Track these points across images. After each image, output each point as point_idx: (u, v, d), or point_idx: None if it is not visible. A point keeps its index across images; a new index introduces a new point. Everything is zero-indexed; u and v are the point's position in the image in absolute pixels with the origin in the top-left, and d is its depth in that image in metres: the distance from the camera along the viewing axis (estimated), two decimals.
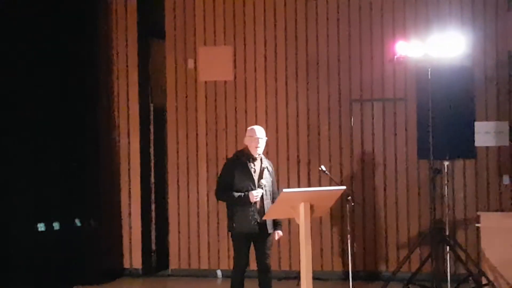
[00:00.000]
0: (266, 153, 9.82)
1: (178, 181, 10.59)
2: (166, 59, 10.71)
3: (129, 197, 10.63)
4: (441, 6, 9.96)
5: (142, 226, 10.65)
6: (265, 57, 10.41)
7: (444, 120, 9.39)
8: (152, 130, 11.02)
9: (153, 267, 10.88)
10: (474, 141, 9.73)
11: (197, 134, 10.55)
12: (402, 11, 10.06)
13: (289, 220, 9.70)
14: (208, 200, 10.32)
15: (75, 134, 10.05)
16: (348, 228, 8.96)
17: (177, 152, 10.61)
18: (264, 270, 7.47)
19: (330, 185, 9.40)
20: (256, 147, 7.44)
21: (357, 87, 10.15)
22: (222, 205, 7.81)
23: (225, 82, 10.53)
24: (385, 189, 10.05)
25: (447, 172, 9.26)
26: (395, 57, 8.82)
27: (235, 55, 10.49)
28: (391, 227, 10.01)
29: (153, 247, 10.95)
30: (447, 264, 9.05)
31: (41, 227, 9.59)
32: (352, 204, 8.87)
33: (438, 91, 9.12)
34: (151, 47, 11.05)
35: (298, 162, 10.24)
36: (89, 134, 10.29)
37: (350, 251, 8.76)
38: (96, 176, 10.36)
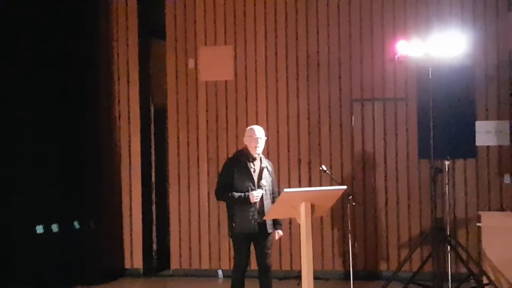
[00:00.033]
0: (267, 153, 9.85)
1: (179, 181, 10.59)
2: (167, 59, 10.71)
3: (130, 197, 10.63)
4: (442, 5, 9.96)
5: (143, 226, 10.65)
6: (266, 57, 10.41)
7: (445, 119, 9.42)
8: (152, 130, 11.02)
9: (154, 267, 10.87)
10: (474, 140, 9.75)
11: (197, 134, 10.55)
12: (402, 10, 10.06)
13: (290, 220, 9.71)
14: (209, 200, 10.32)
15: (75, 134, 10.05)
16: (349, 227, 8.96)
17: (178, 152, 10.61)
18: (264, 270, 7.48)
19: (331, 185, 9.41)
20: (256, 147, 7.45)
21: (358, 87, 10.15)
22: (223, 205, 7.81)
23: (226, 81, 10.53)
24: (386, 189, 10.04)
25: (447, 172, 9.25)
26: (396, 56, 8.82)
27: (235, 55, 10.49)
28: (392, 227, 10.01)
29: (154, 247, 10.95)
30: (448, 263, 9.04)
31: (39, 229, 9.59)
32: (353, 203, 8.88)
33: (439, 91, 9.13)
34: (151, 47, 11.05)
35: (299, 161, 10.24)
36: (89, 134, 10.29)
37: (351, 251, 8.76)
38: (96, 176, 10.36)
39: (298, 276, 8.93)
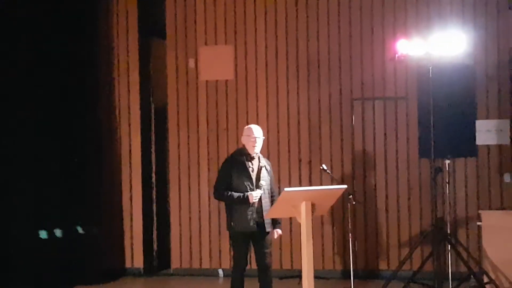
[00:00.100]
0: (267, 152, 9.86)
1: (179, 180, 10.59)
2: (167, 58, 10.71)
3: (130, 196, 10.63)
4: (443, 4, 9.95)
5: (144, 225, 10.65)
6: (266, 57, 10.41)
7: (445, 118, 9.41)
8: (153, 129, 11.01)
9: (154, 267, 10.87)
10: (475, 139, 9.75)
11: (198, 134, 10.55)
12: (403, 9, 10.06)
13: (291, 219, 9.71)
14: (209, 199, 10.31)
15: (75, 134, 10.04)
16: (349, 227, 8.96)
17: (178, 151, 10.61)
18: (264, 269, 7.48)
19: (331, 184, 9.42)
20: (254, 146, 7.45)
21: (358, 86, 10.14)
22: (223, 204, 7.81)
23: (226, 81, 10.52)
24: (386, 188, 10.04)
25: (448, 171, 9.26)
26: (396, 55, 8.81)
27: (236, 55, 10.49)
28: (392, 226, 10.01)
29: (155, 246, 10.94)
30: (448, 262, 9.05)
31: (43, 234, 9.60)
32: (353, 203, 8.87)
33: (439, 90, 9.13)
34: (151, 47, 11.05)
35: (300, 161, 10.24)
36: (89, 134, 10.28)
37: (351, 250, 8.76)
38: (97, 176, 10.36)
39: (298, 275, 8.93)
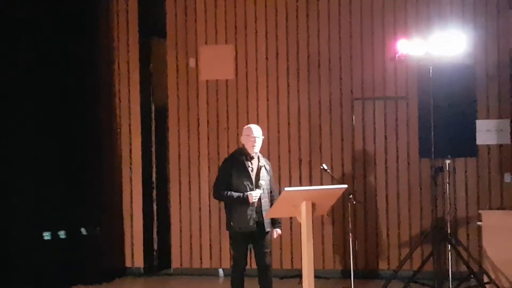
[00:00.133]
0: (268, 152, 9.87)
1: (179, 180, 10.59)
2: (167, 58, 10.71)
3: (131, 196, 10.64)
4: (443, 4, 9.95)
5: (144, 225, 10.65)
6: (267, 56, 10.41)
7: (446, 118, 9.41)
8: (153, 129, 11.01)
9: (155, 266, 10.87)
10: (475, 139, 9.75)
11: (198, 133, 10.55)
12: (403, 9, 10.06)
13: (291, 219, 9.71)
14: (209, 199, 10.31)
15: (76, 134, 10.04)
16: (350, 226, 8.97)
17: (179, 151, 10.61)
18: (263, 269, 7.48)
19: (331, 184, 9.42)
20: (253, 146, 7.45)
21: (359, 86, 10.15)
22: (224, 204, 7.81)
23: (227, 81, 10.53)
24: (386, 188, 10.04)
25: (448, 171, 9.25)
26: (397, 55, 8.82)
27: (236, 54, 10.49)
28: (393, 226, 10.01)
29: (155, 246, 10.95)
30: (448, 262, 9.04)
31: (47, 235, 9.61)
32: (354, 202, 8.88)
33: (439, 90, 9.13)
34: (152, 46, 11.05)
35: (300, 160, 10.24)
36: (89, 133, 10.28)
37: (351, 250, 8.76)
38: (97, 176, 10.35)
39: (298, 275, 8.94)
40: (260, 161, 7.53)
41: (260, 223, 7.39)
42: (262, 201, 7.40)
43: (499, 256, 8.77)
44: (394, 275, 8.95)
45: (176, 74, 10.65)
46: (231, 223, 7.43)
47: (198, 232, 10.50)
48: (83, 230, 10.06)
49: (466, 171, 9.85)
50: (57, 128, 9.78)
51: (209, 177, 10.34)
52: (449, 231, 9.11)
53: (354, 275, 8.74)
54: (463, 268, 9.00)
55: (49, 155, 9.71)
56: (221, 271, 10.42)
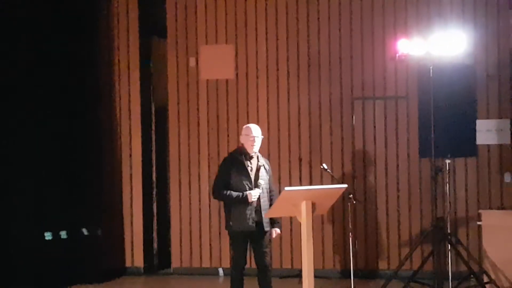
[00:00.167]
0: (268, 151, 9.87)
1: (179, 179, 10.59)
2: (168, 57, 10.72)
3: (131, 195, 10.64)
4: (443, 4, 9.95)
5: (144, 224, 10.65)
6: (267, 56, 10.41)
7: (446, 118, 9.41)
8: (153, 128, 11.02)
9: (155, 266, 10.88)
10: (475, 139, 9.75)
11: (198, 133, 10.55)
12: (403, 9, 10.06)
13: (291, 218, 9.71)
14: (209, 198, 10.30)
15: (76, 134, 10.03)
16: (350, 226, 8.97)
17: (179, 150, 10.61)
18: (263, 269, 7.48)
19: (331, 184, 9.42)
20: (252, 146, 7.45)
21: (359, 85, 10.15)
22: (223, 204, 7.81)
23: (227, 80, 10.53)
24: (386, 187, 10.04)
25: (448, 170, 9.26)
26: (397, 55, 8.82)
27: (236, 54, 10.49)
28: (393, 225, 10.01)
29: (155, 245, 10.95)
30: (448, 262, 9.05)
31: (48, 236, 9.60)
32: (354, 202, 8.88)
33: (439, 89, 9.13)
34: (152, 46, 11.05)
35: (300, 160, 10.24)
36: (90, 133, 10.27)
37: (351, 249, 8.76)
38: (97, 175, 10.35)
39: (298, 275, 8.94)
40: (259, 160, 7.54)
41: (259, 222, 7.39)
42: (261, 200, 7.41)
43: (499, 256, 8.77)
44: (394, 274, 8.95)
45: (176, 74, 10.65)
46: (230, 222, 7.44)
47: (198, 232, 10.50)
48: (84, 230, 10.05)
49: (466, 171, 9.86)
50: (57, 128, 9.77)
51: (209, 177, 10.33)
52: (449, 231, 9.11)
53: (354, 275, 8.74)
54: (463, 268, 9.01)
55: (49, 155, 9.71)
56: (221, 271, 10.43)
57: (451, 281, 8.87)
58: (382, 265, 10.01)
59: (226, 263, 10.19)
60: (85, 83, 10.19)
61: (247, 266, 7.57)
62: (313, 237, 6.47)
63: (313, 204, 6.49)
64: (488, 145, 9.80)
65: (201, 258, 10.50)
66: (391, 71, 10.02)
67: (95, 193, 10.24)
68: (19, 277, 9.24)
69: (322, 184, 9.86)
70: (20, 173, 9.51)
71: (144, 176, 10.70)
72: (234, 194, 7.36)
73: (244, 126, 7.63)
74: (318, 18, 10.27)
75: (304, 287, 6.46)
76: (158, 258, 10.94)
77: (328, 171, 8.83)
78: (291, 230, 9.99)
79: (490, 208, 9.52)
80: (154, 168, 10.99)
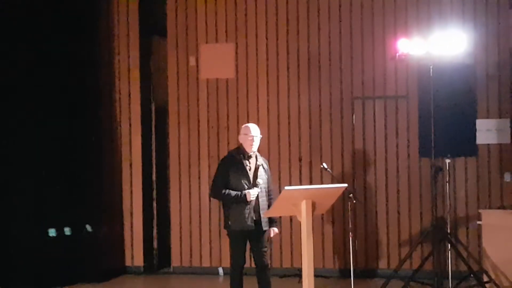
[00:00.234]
0: (268, 151, 9.87)
1: (179, 178, 10.59)
2: (168, 56, 10.72)
3: (131, 195, 10.64)
4: (443, 4, 9.96)
5: (144, 224, 10.66)
6: (267, 55, 10.41)
7: (446, 117, 9.41)
8: (153, 127, 11.02)
9: (154, 265, 10.89)
10: (475, 138, 9.75)
11: (198, 132, 10.55)
12: (404, 9, 10.06)
13: (291, 218, 9.72)
14: (209, 198, 10.30)
15: (76, 134, 10.02)
16: (350, 225, 8.96)
17: (179, 149, 10.62)
18: (262, 268, 7.49)
19: (331, 183, 9.42)
20: (251, 145, 7.46)
21: (359, 85, 10.15)
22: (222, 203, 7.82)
23: (227, 79, 10.53)
24: (386, 187, 10.04)
25: (448, 170, 9.26)
26: (397, 54, 8.82)
27: (236, 53, 10.49)
28: (393, 225, 10.01)
29: (155, 245, 10.96)
30: (448, 261, 9.05)
31: (52, 232, 9.61)
32: (354, 201, 8.87)
33: (440, 89, 9.13)
34: (152, 45, 11.05)
35: (300, 159, 10.24)
36: (90, 132, 10.26)
37: (351, 249, 8.76)
38: (97, 175, 10.35)
39: (298, 274, 8.94)
40: (258, 160, 7.54)
41: (258, 222, 7.39)
42: (260, 200, 7.41)
43: (499, 255, 8.77)
44: (394, 274, 8.94)
45: (176, 73, 10.65)
46: (229, 222, 7.44)
47: (198, 231, 10.51)
48: (85, 228, 10.04)
49: (466, 171, 9.86)
50: (57, 128, 9.77)
51: (209, 176, 10.32)
52: (449, 231, 9.12)
53: (354, 274, 8.72)
54: (463, 267, 9.01)
55: (49, 155, 9.70)
56: (221, 270, 10.43)
57: (451, 280, 8.87)
58: (382, 264, 10.02)
59: (226, 262, 10.15)
60: (85, 83, 10.18)
61: (247, 265, 7.58)
62: (313, 236, 6.48)
63: (313, 204, 6.50)
64: (488, 145, 9.81)
65: (201, 257, 10.50)
66: (391, 70, 10.02)
67: (95, 193, 10.23)
68: (19, 277, 9.24)
69: (322, 183, 9.86)
70: (20, 173, 9.51)
71: (144, 176, 10.70)
72: (233, 193, 7.36)
73: (243, 126, 7.63)
74: (318, 17, 10.28)
75: (304, 287, 6.46)
76: (158, 258, 10.95)
77: (328, 171, 8.82)
78: (291, 229, 9.99)
79: (490, 207, 9.53)
80: (154, 167, 10.99)
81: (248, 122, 8.21)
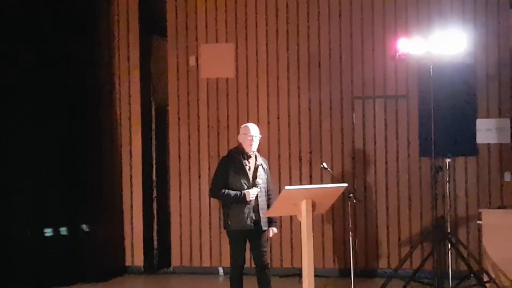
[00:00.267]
0: (268, 150, 9.87)
1: (180, 178, 10.59)
2: (168, 56, 10.72)
3: (131, 195, 10.64)
4: (443, 3, 9.95)
5: (144, 224, 10.66)
6: (267, 55, 10.41)
7: (446, 117, 9.42)
8: (153, 127, 11.02)
9: (155, 265, 10.89)
10: (475, 138, 9.75)
11: (198, 132, 10.55)
12: (404, 8, 10.05)
13: (291, 217, 9.72)
14: (209, 197, 10.29)
15: (76, 134, 10.03)
16: (350, 225, 8.96)
17: (179, 149, 10.62)
18: (261, 268, 7.48)
19: (332, 183, 9.42)
20: (250, 145, 7.45)
21: (359, 84, 10.15)
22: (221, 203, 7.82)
23: (227, 79, 10.52)
24: (386, 186, 10.04)
25: (448, 170, 9.26)
26: (397, 54, 8.82)
27: (236, 53, 10.49)
28: (393, 225, 10.01)
29: (155, 244, 10.96)
30: (448, 261, 9.05)
31: (48, 232, 9.60)
32: (354, 201, 8.87)
33: (440, 89, 9.13)
34: (152, 45, 11.05)
35: (300, 159, 10.24)
36: (90, 132, 10.27)
37: (351, 248, 8.76)
38: (97, 175, 10.35)
39: (298, 274, 8.94)
40: (258, 159, 7.54)
41: (257, 221, 7.39)
42: (259, 199, 7.41)
43: (499, 255, 8.78)
44: (394, 273, 8.95)
45: (176, 73, 10.65)
46: (228, 221, 7.44)
47: (198, 231, 10.50)
48: (84, 228, 10.04)
49: (466, 170, 9.86)
50: (57, 128, 9.77)
51: (209, 176, 10.31)
52: (449, 230, 9.12)
53: (354, 274, 8.72)
54: (463, 267, 9.01)
55: (49, 155, 9.70)
56: (221, 270, 10.43)
57: (451, 280, 8.87)
58: (382, 264, 10.01)
59: (226, 262, 10.13)
60: (85, 83, 10.18)
61: (247, 265, 7.58)
62: (313, 236, 6.48)
63: (313, 203, 6.50)
64: (488, 144, 9.80)
65: (201, 257, 10.50)
66: (391, 70, 10.02)
67: (95, 193, 10.24)
68: (19, 277, 9.24)
69: (322, 183, 9.85)
70: (20, 173, 9.51)
71: (144, 176, 10.70)
72: (232, 193, 7.36)
73: (242, 126, 7.63)
74: (318, 17, 10.27)
75: (304, 286, 6.46)
76: (158, 257, 10.95)
77: (328, 170, 8.81)
78: (291, 229, 9.99)
79: (490, 207, 9.53)
80: (154, 167, 10.99)
81: (248, 122, 8.20)
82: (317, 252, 8.26)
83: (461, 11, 9.88)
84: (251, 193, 7.33)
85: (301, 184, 9.98)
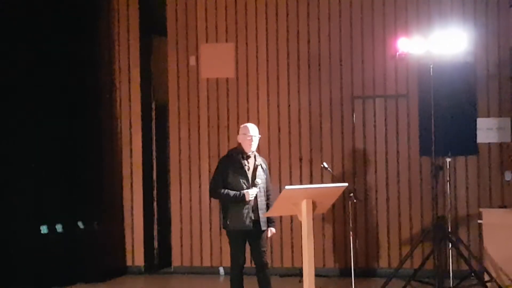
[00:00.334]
0: (268, 150, 9.88)
1: (180, 178, 10.59)
2: (168, 56, 10.72)
3: (131, 194, 10.64)
4: (443, 2, 9.96)
5: (144, 223, 10.66)
6: (267, 54, 10.41)
7: (446, 116, 9.42)
8: (154, 127, 11.02)
9: (155, 265, 10.89)
10: (476, 137, 9.75)
11: (199, 132, 10.56)
12: (404, 8, 10.06)
13: (291, 217, 9.72)
14: (210, 197, 10.30)
15: (76, 134, 10.03)
16: (350, 225, 8.96)
17: (179, 149, 10.62)
18: (261, 268, 7.47)
19: (332, 182, 9.42)
20: (250, 145, 7.45)
21: (359, 84, 10.15)
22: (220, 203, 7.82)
23: (227, 79, 10.53)
24: (387, 186, 10.04)
25: (449, 169, 9.26)
26: (397, 53, 8.82)
27: (237, 52, 10.49)
28: (393, 224, 10.01)
29: (156, 244, 10.96)
30: (449, 260, 9.05)
31: (43, 229, 9.59)
32: (354, 201, 8.88)
33: (440, 88, 9.12)
34: (153, 44, 11.05)
35: (300, 159, 10.24)
36: (90, 132, 10.27)
37: (352, 248, 8.76)
38: (97, 174, 10.35)
39: (299, 273, 8.94)
40: (257, 159, 7.53)
41: (256, 221, 7.39)
42: (258, 199, 7.40)
43: (499, 254, 8.78)
44: (394, 273, 8.94)
45: (176, 72, 10.65)
46: (228, 221, 7.44)
47: (199, 231, 10.50)
48: (84, 228, 10.04)
49: (466, 169, 9.86)
50: (57, 128, 9.77)
51: (209, 176, 10.28)
52: (449, 230, 9.12)
53: (354, 273, 8.73)
54: (464, 266, 9.00)
55: (49, 155, 9.70)
56: (221, 270, 10.43)
57: (452, 279, 8.88)
58: (383, 263, 10.01)
59: (227, 262, 10.10)
60: (85, 83, 10.18)
61: (247, 265, 7.57)
62: (313, 236, 6.47)
63: (314, 203, 6.50)
64: (489, 144, 9.81)
65: (201, 257, 10.50)
66: (391, 69, 10.02)
67: (95, 193, 10.24)
68: (19, 277, 9.24)
69: (322, 183, 9.84)
70: (20, 173, 9.51)
71: (144, 175, 10.70)
72: (231, 193, 7.36)
73: (242, 126, 7.62)
74: (319, 17, 10.28)
75: (305, 286, 6.46)
76: (158, 257, 10.96)
77: (329, 170, 8.82)
78: (291, 229, 9.99)
79: (491, 206, 9.53)
80: (154, 167, 10.99)
81: (248, 122, 8.21)
82: (317, 251, 8.27)
83: (461, 11, 9.88)
84: (250, 193, 7.33)
85: (301, 183, 9.97)
